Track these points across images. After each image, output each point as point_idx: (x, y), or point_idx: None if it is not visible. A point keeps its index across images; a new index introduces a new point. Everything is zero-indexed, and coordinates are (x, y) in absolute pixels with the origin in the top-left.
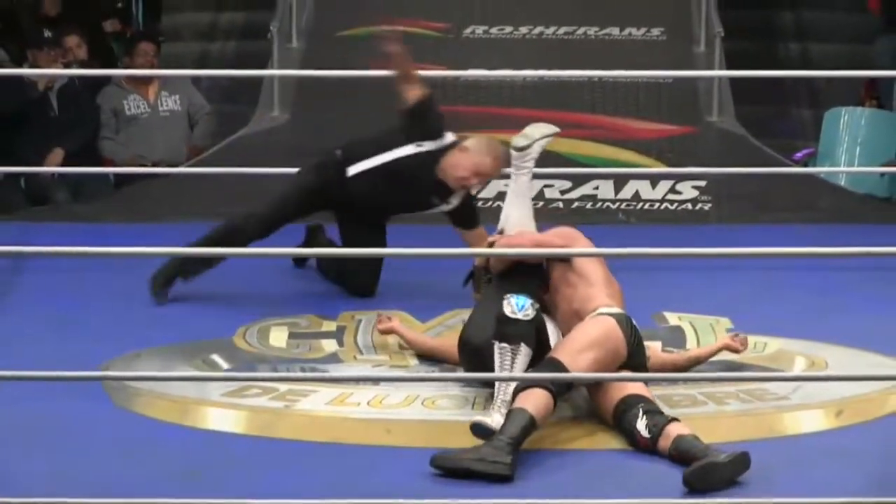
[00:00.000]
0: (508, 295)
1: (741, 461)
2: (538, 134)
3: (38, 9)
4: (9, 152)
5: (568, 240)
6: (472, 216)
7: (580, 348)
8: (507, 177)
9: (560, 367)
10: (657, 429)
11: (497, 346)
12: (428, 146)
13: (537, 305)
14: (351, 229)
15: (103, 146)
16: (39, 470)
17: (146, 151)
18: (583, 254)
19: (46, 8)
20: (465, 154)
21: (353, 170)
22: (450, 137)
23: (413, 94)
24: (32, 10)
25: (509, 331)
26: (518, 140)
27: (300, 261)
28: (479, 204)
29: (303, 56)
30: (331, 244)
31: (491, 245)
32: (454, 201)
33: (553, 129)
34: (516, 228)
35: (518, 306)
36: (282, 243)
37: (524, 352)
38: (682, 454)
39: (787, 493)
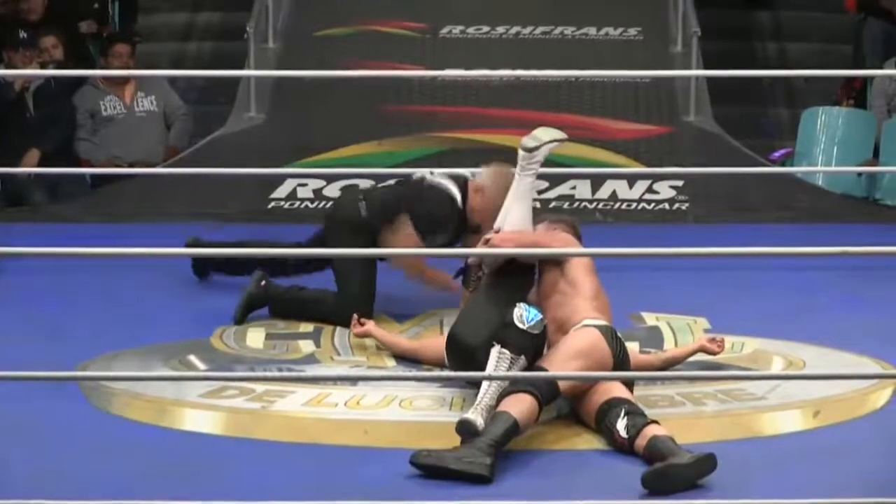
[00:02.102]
0: (520, 303)
1: (704, 463)
2: (547, 137)
3: (16, 11)
4: None
5: (564, 245)
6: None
7: (566, 358)
8: None
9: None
10: (635, 430)
11: (497, 349)
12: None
13: (545, 323)
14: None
15: (80, 147)
16: (17, 471)
17: (123, 152)
18: (570, 254)
19: (28, 12)
20: (482, 194)
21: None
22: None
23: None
24: (11, 14)
25: (514, 340)
26: (527, 141)
27: (203, 270)
28: None
29: (279, 56)
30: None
31: (486, 241)
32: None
33: (562, 134)
34: (514, 227)
35: (528, 318)
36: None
37: (522, 364)
38: (654, 454)
39: (765, 493)
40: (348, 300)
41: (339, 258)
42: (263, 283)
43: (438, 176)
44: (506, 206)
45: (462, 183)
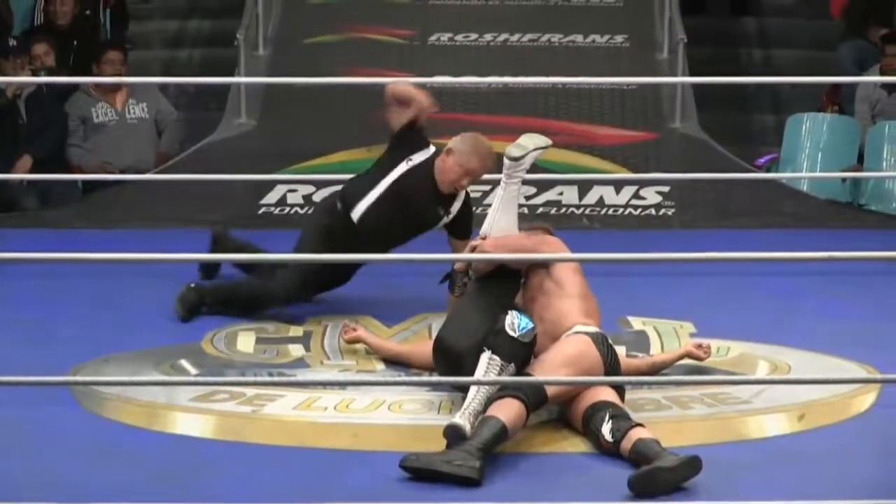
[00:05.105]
0: (512, 311)
1: (689, 466)
2: (532, 145)
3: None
4: None
5: (552, 250)
6: (468, 226)
7: (556, 366)
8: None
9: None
10: (620, 433)
11: (488, 355)
12: (418, 158)
13: (536, 332)
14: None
15: (71, 153)
16: (9, 474)
17: (114, 159)
18: (557, 259)
19: (56, 15)
20: (451, 156)
21: (356, 213)
22: (433, 148)
23: (404, 117)
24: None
25: (505, 347)
26: (512, 150)
27: (210, 271)
28: (478, 210)
29: (269, 63)
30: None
31: (474, 248)
32: (454, 209)
33: (547, 141)
34: (501, 233)
35: (520, 326)
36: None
37: (511, 371)
38: (639, 457)
39: (751, 496)
40: (284, 280)
41: (300, 243)
42: (193, 285)
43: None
44: (491, 213)
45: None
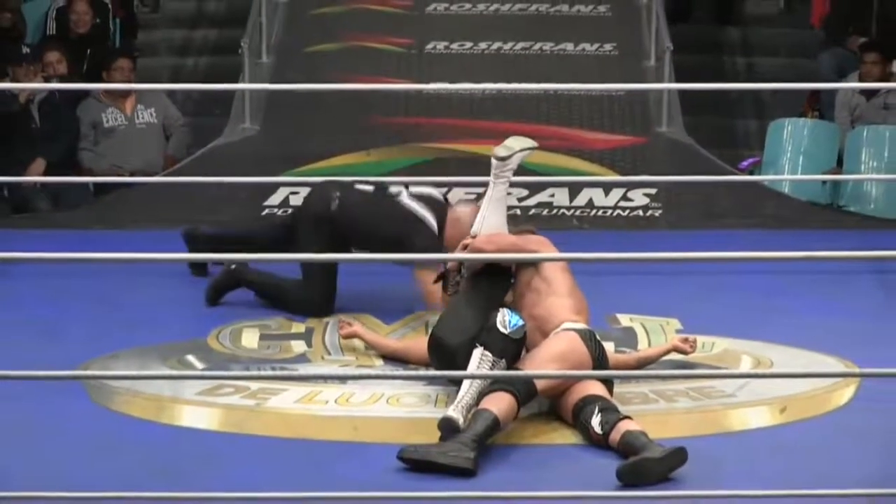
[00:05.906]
0: (504, 308)
1: (676, 456)
2: (518, 146)
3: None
4: None
5: (540, 248)
6: None
7: (545, 361)
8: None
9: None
10: (609, 425)
11: (480, 351)
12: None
13: (526, 329)
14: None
15: (82, 157)
16: (20, 466)
17: (123, 162)
18: (549, 259)
19: (77, 24)
20: (458, 229)
21: (355, 244)
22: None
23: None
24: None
25: (496, 343)
26: (499, 150)
27: (199, 268)
28: None
29: (272, 70)
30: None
31: (465, 246)
32: None
33: (532, 143)
34: (491, 231)
35: (511, 323)
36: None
37: (502, 366)
38: (627, 448)
39: (734, 486)
40: (309, 294)
41: (304, 251)
42: (234, 266)
43: (415, 200)
44: (481, 213)
45: (440, 209)
